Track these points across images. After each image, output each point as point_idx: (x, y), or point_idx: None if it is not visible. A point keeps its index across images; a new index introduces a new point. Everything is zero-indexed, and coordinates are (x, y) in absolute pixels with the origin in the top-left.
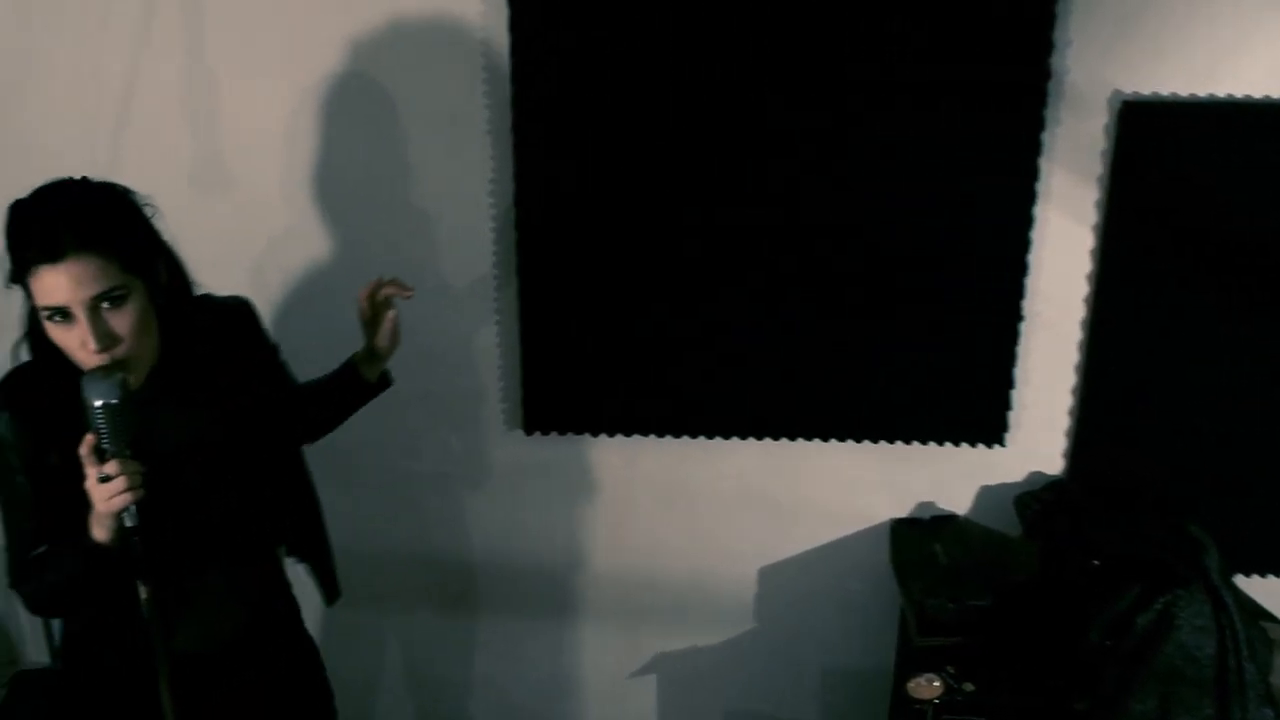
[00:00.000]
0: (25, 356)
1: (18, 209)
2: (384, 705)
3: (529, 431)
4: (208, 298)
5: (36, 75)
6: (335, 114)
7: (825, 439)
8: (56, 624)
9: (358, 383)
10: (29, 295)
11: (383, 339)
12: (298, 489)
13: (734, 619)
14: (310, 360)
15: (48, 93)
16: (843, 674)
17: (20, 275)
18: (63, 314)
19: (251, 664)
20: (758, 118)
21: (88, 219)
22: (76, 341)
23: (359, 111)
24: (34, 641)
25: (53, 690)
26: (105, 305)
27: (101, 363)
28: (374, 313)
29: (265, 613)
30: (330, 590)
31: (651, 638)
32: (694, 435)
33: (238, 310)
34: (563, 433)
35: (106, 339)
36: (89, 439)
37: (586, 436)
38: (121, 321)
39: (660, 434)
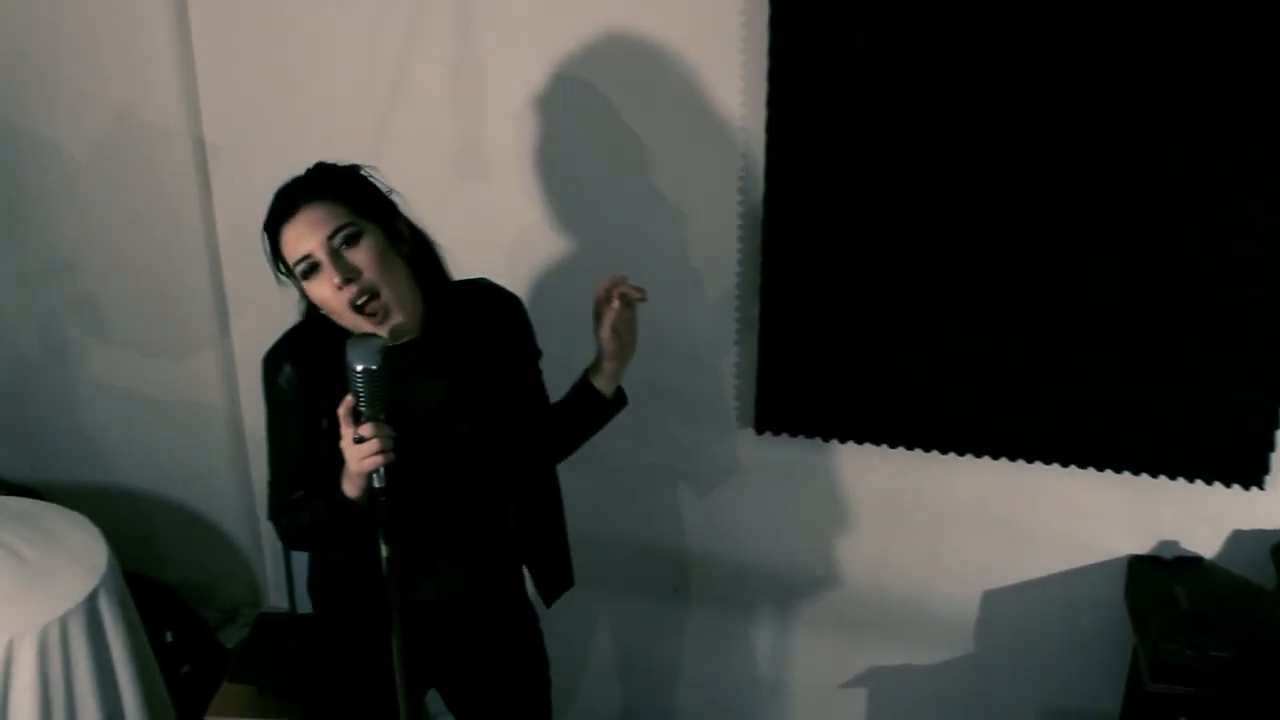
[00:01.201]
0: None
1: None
2: (591, 686)
3: (759, 430)
4: (481, 283)
5: (314, 61)
6: (589, 105)
7: (1066, 464)
8: (298, 572)
9: (594, 397)
10: (286, 266)
11: (604, 331)
12: (540, 496)
13: (953, 642)
14: (552, 351)
15: (323, 79)
16: (1064, 712)
17: (274, 244)
18: (311, 267)
19: (477, 623)
20: (1036, 131)
21: (320, 178)
22: (330, 290)
23: (613, 103)
24: (275, 587)
25: (292, 632)
26: (342, 245)
27: (352, 297)
28: (608, 313)
29: (493, 576)
30: (549, 594)
31: (866, 650)
32: (928, 449)
33: (508, 303)
34: (794, 435)
35: (349, 271)
36: (347, 400)
37: (818, 441)
38: (360, 256)
39: (893, 444)
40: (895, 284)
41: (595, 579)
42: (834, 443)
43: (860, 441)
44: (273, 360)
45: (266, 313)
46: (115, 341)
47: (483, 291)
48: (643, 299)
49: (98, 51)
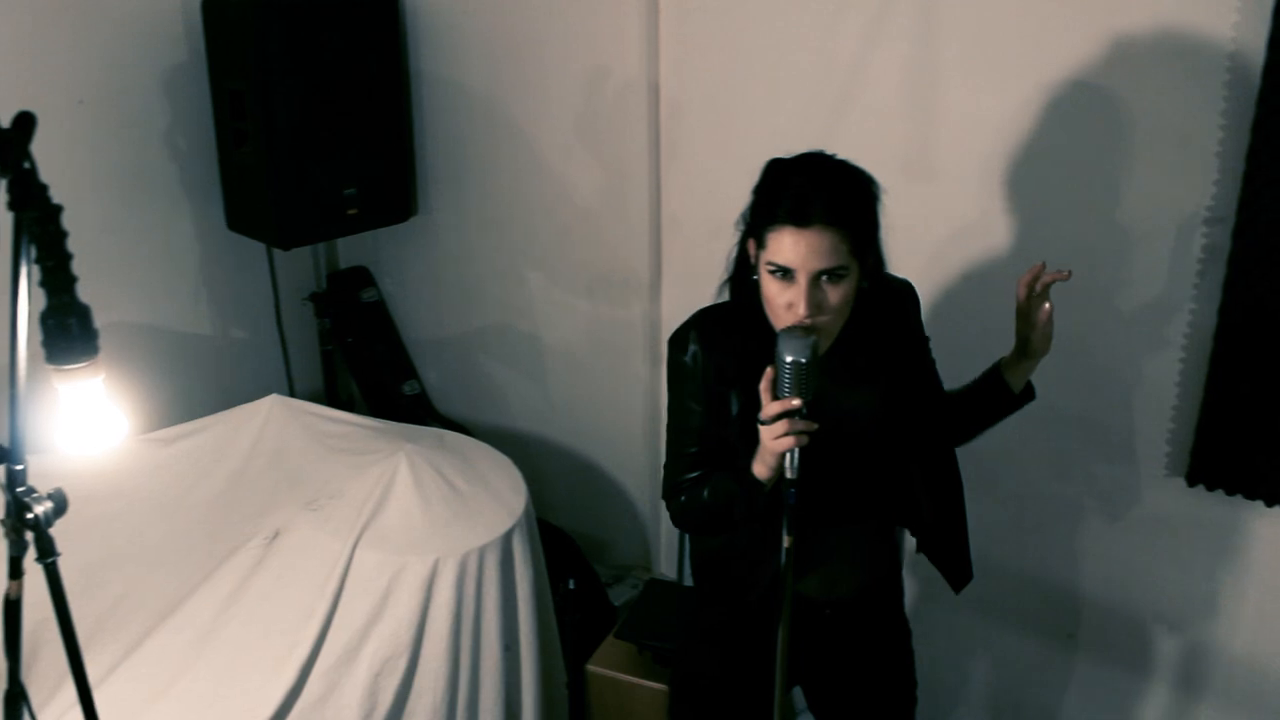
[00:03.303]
0: (724, 297)
1: (777, 166)
2: (957, 717)
3: (1191, 482)
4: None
5: (772, 50)
6: (1049, 117)
7: None
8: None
9: (1000, 389)
10: (760, 245)
11: (1032, 327)
12: (944, 477)
13: None
14: (970, 352)
15: (778, 70)
16: None
17: (759, 225)
18: (785, 273)
19: (854, 627)
20: None
21: (841, 196)
22: (785, 300)
23: (1074, 117)
24: (667, 556)
25: (679, 601)
26: (825, 279)
27: (801, 324)
28: (1030, 305)
29: (878, 582)
30: (962, 576)
31: None
32: None
33: (904, 293)
34: (1230, 492)
35: (816, 309)
36: (768, 374)
37: (1259, 505)
38: (834, 296)
39: None
40: None
41: (981, 606)
42: (1277, 509)
43: None
44: (679, 339)
45: (695, 289)
46: (558, 298)
47: (883, 285)
48: (1067, 277)
49: (566, 23)
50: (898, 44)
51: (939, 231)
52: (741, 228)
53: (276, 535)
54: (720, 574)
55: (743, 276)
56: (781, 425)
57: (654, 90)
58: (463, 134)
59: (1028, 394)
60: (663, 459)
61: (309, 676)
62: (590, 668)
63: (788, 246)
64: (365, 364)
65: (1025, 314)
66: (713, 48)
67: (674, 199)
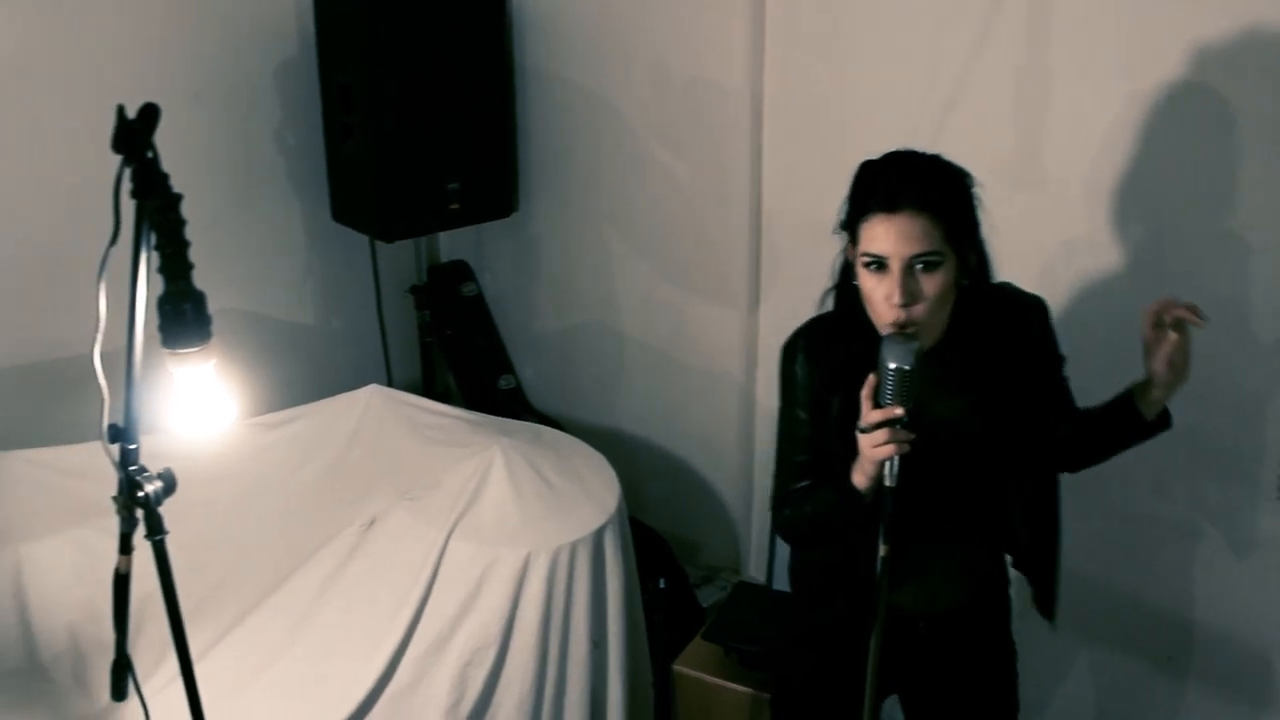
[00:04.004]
0: (828, 307)
1: (867, 165)
2: None
3: None
4: (1006, 288)
5: (875, 56)
6: (1160, 122)
7: None
8: (780, 549)
9: (1133, 416)
10: (854, 242)
11: (1158, 364)
12: (1042, 502)
13: None
14: (1084, 370)
15: (884, 73)
16: None
17: (853, 222)
18: (879, 263)
19: (955, 641)
20: None
21: (929, 183)
22: (883, 293)
23: (1191, 124)
24: (757, 559)
25: (768, 605)
26: (919, 266)
27: (898, 318)
28: (1156, 335)
29: (980, 598)
30: (1048, 608)
31: None
32: None
33: (1033, 309)
34: None
35: (910, 296)
36: (870, 380)
37: None
38: (929, 286)
39: None
40: None
41: (1083, 626)
42: None
43: None
44: (789, 349)
45: (794, 294)
46: (655, 297)
47: (1007, 297)
48: (1203, 324)
49: (672, 22)
50: (1007, 48)
51: (1048, 242)
52: (840, 233)
53: (373, 523)
54: (816, 581)
55: (847, 283)
56: (882, 434)
57: (757, 91)
58: (565, 131)
59: (1162, 422)
60: (756, 461)
61: (400, 663)
62: (677, 668)
63: (879, 234)
64: (463, 357)
65: (1152, 348)
66: (818, 50)
67: (775, 201)
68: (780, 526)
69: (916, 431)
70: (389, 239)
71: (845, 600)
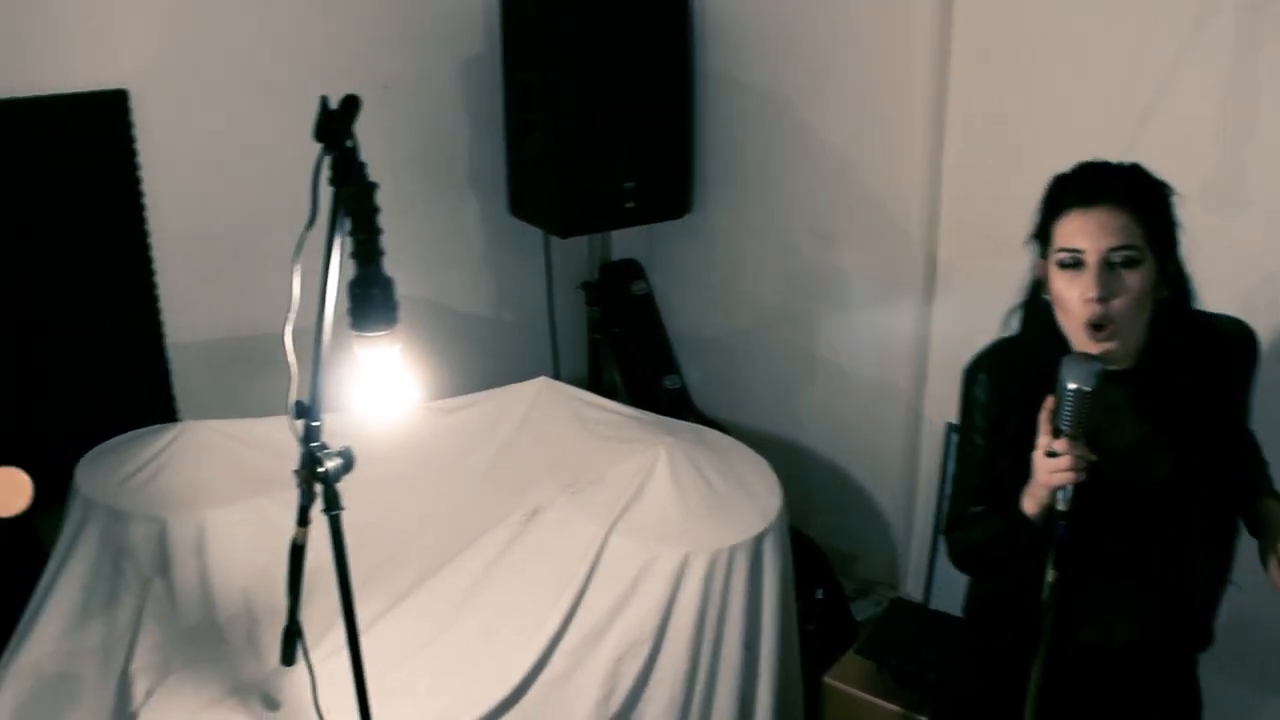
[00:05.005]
0: (1012, 326)
1: (1061, 174)
2: None
3: None
4: (1219, 319)
5: (1069, 63)
6: None
7: None
8: (939, 567)
9: (1261, 547)
10: (1045, 251)
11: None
12: (1221, 542)
13: None
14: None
15: (1078, 81)
16: None
17: (1046, 224)
18: (1075, 260)
19: (1133, 683)
20: None
21: (1130, 181)
22: (1078, 292)
23: None
24: (915, 576)
25: (925, 623)
26: (1118, 260)
27: (1094, 315)
28: None
29: (1160, 640)
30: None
31: None
32: None
33: (1238, 339)
34: None
35: (1107, 289)
36: (1048, 404)
37: None
38: (1128, 282)
39: None
40: None
41: (1262, 672)
42: None
43: None
44: (971, 371)
45: (969, 308)
46: (825, 305)
47: (1216, 329)
48: None
49: (854, 30)
50: (1209, 62)
51: (1247, 273)
52: (1031, 246)
53: (536, 512)
54: (990, 613)
55: (1035, 300)
56: (1058, 461)
57: (940, 97)
58: (742, 134)
59: None
60: (921, 476)
61: (554, 652)
62: (828, 680)
63: (1075, 229)
64: (630, 355)
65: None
66: (1007, 56)
67: (954, 211)
68: (950, 551)
69: (1096, 455)
70: (564, 235)
71: (1016, 632)
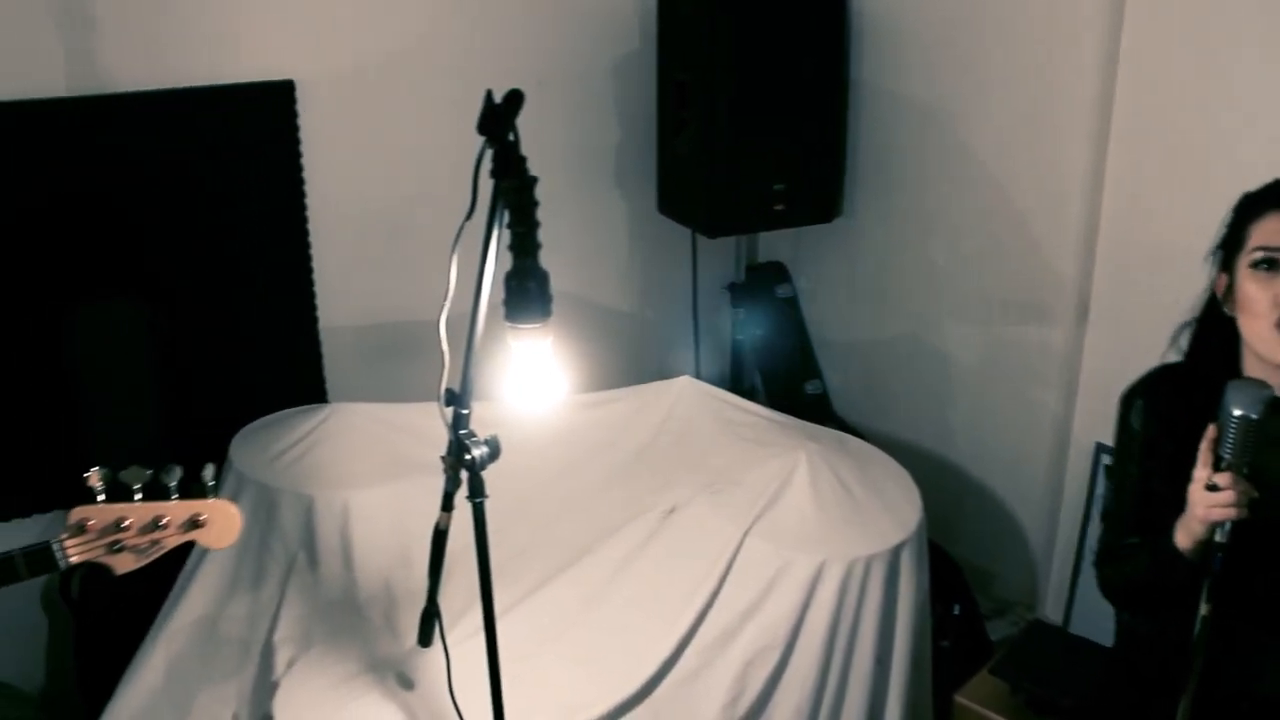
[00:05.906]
0: (1182, 346)
1: (1252, 191)
2: None
3: None
4: None
5: (1250, 74)
6: None
7: None
8: (1081, 589)
9: None
10: (1238, 248)
11: None
12: None
13: None
14: None
15: (1260, 93)
16: None
17: (1240, 229)
18: (1270, 260)
19: None
20: None
21: None
22: (1270, 295)
23: None
24: (1055, 598)
25: (1063, 648)
26: None
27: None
28: None
29: None
30: None
31: None
32: None
33: None
34: None
35: None
36: (1210, 433)
37: None
38: None
39: None
40: None
41: None
42: None
43: None
44: (1128, 398)
45: (1125, 326)
46: (973, 316)
47: None
48: None
49: (1018, 38)
50: None
51: None
52: (1211, 260)
53: (673, 510)
54: (1139, 644)
55: (1209, 317)
56: (1218, 495)
57: (1105, 108)
58: (895, 140)
59: None
60: (1066, 497)
61: (685, 651)
62: (959, 699)
63: (1275, 228)
64: (772, 358)
65: None
66: (1182, 65)
67: (1114, 225)
68: (1100, 584)
69: (1259, 488)
70: (712, 235)
71: (1166, 671)
